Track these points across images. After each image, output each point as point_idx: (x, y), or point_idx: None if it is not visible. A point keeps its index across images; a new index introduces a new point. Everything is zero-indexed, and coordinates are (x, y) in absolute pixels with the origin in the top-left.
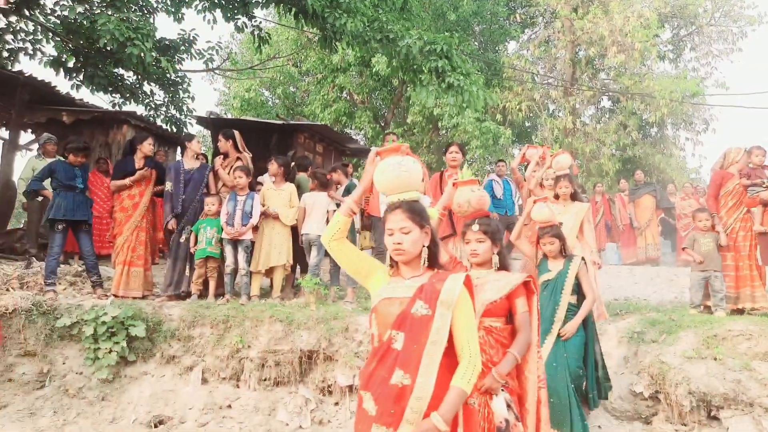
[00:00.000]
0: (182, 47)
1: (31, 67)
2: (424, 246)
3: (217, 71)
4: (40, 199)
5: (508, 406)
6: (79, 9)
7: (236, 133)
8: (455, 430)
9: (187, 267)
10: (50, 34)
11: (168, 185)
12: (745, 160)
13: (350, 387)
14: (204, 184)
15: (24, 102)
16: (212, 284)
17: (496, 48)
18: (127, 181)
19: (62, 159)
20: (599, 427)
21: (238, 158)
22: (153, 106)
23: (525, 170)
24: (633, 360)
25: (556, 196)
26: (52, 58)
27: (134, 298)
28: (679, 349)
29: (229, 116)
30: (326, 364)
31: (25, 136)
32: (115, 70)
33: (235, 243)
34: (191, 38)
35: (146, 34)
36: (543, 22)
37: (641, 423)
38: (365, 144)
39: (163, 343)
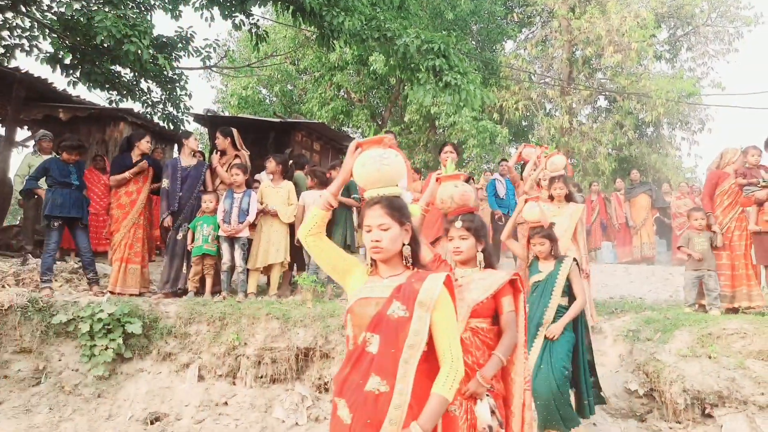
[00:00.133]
0: (179, 44)
1: (27, 63)
2: (404, 244)
3: (214, 69)
4: (36, 197)
5: (492, 411)
6: (76, 6)
7: (234, 131)
8: None
9: (184, 264)
10: (47, 30)
11: (165, 182)
12: (741, 160)
13: None
14: (201, 181)
15: (20, 99)
16: (209, 281)
17: (494, 47)
18: (127, 174)
19: (56, 156)
20: (594, 424)
21: (236, 156)
22: (150, 103)
23: (521, 169)
24: (628, 358)
25: (551, 198)
26: (48, 54)
27: (131, 295)
28: (673, 348)
29: (227, 114)
30: (323, 362)
31: (22, 133)
32: (112, 67)
33: (232, 240)
34: (188, 36)
35: (143, 31)
36: (540, 22)
37: (636, 421)
38: None
39: (159, 340)
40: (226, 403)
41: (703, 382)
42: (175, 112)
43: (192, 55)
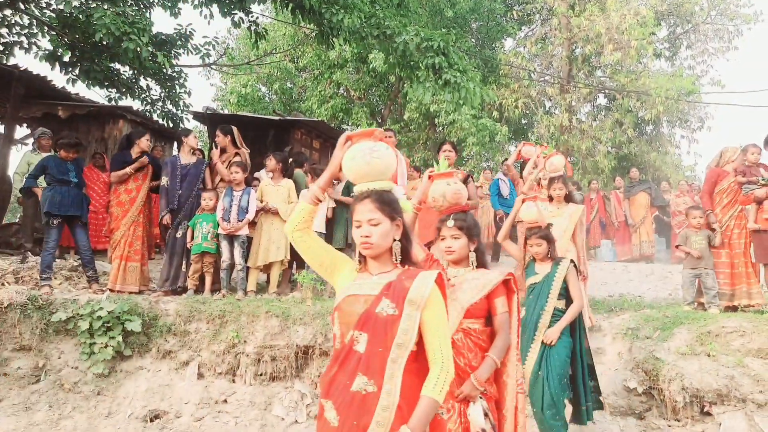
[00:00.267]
0: (179, 42)
1: (26, 61)
2: (394, 240)
3: (213, 66)
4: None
5: (485, 414)
6: (75, 3)
7: (234, 128)
8: None
9: (184, 262)
10: (46, 27)
11: (164, 180)
12: (741, 158)
13: None
14: (200, 179)
15: (19, 96)
16: (208, 279)
17: (493, 45)
18: (128, 169)
19: (54, 154)
20: (593, 422)
21: (236, 153)
22: (149, 101)
23: (521, 168)
24: (627, 356)
25: (550, 198)
26: (47, 52)
27: (130, 293)
28: (672, 346)
29: (226, 112)
30: (322, 359)
31: (21, 131)
32: (111, 64)
33: (231, 238)
34: (188, 33)
35: (142, 28)
36: (540, 20)
37: (635, 418)
38: None
39: (159, 338)
40: (225, 401)
41: (702, 380)
42: (174, 110)
43: (191, 52)
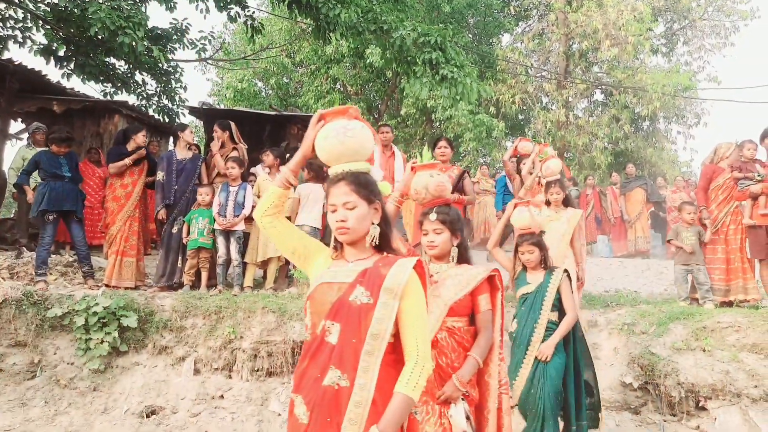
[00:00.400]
0: (174, 37)
1: (20, 55)
2: (372, 224)
3: (209, 61)
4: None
5: (467, 417)
6: None
7: (232, 124)
8: None
9: (180, 258)
10: (40, 22)
11: (160, 175)
12: (736, 154)
13: None
14: (196, 174)
15: (14, 91)
16: (204, 275)
17: (490, 40)
18: (127, 160)
19: (47, 149)
20: None
21: (234, 149)
22: (145, 95)
23: (517, 164)
24: (623, 351)
25: (548, 202)
26: (42, 46)
27: (126, 288)
28: (668, 341)
29: (222, 107)
30: None
31: (15, 126)
32: (107, 59)
33: (227, 234)
34: (184, 27)
35: (138, 22)
36: (537, 15)
37: (630, 413)
38: None
39: (155, 334)
40: (222, 397)
41: (698, 375)
42: (170, 105)
43: (187, 47)
